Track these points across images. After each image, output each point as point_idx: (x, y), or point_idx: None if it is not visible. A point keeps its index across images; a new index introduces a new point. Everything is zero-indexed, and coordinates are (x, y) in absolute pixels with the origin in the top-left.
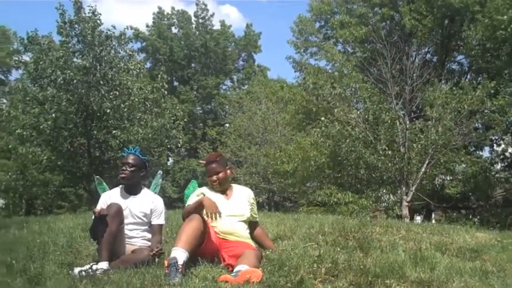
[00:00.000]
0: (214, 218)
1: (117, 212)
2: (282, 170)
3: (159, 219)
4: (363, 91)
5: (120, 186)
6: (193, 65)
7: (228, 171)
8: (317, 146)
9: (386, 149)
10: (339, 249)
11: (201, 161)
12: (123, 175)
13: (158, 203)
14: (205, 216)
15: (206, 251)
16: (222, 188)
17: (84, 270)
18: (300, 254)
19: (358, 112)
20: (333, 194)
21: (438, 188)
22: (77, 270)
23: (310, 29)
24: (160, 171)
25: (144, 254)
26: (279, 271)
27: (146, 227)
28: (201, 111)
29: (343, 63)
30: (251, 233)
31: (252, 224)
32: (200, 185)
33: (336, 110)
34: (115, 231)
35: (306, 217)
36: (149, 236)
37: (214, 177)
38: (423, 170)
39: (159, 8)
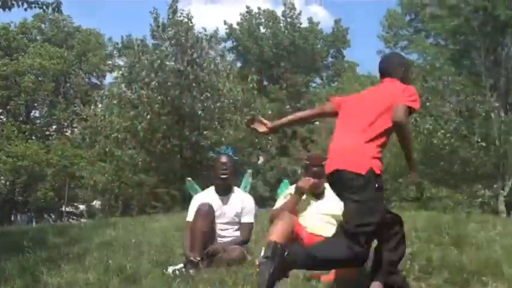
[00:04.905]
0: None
1: (208, 211)
2: None
3: (248, 218)
4: (455, 84)
5: (212, 186)
6: (282, 63)
7: None
8: None
9: (480, 141)
10: (433, 246)
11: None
12: (225, 175)
13: (248, 201)
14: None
15: None
16: (319, 191)
17: (178, 269)
18: None
19: (451, 105)
20: (426, 189)
21: None
22: (170, 269)
23: (400, 22)
24: (249, 171)
25: (236, 253)
26: None
27: (238, 227)
28: (290, 110)
29: (434, 56)
30: None
31: None
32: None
33: (428, 104)
34: (207, 230)
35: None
36: None
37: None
38: None
39: (247, 7)
